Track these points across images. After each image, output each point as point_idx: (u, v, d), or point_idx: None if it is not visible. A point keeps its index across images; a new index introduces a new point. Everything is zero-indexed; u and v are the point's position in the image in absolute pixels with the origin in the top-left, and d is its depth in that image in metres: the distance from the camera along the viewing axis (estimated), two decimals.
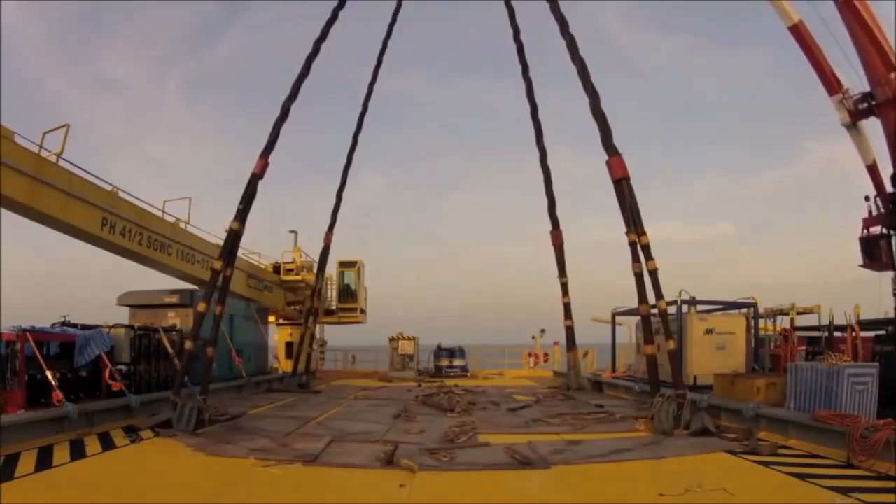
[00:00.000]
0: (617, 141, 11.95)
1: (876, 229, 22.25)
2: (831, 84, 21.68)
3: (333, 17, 15.70)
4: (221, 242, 13.32)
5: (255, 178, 12.84)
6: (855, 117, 21.05)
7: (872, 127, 20.30)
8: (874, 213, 22.60)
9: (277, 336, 26.58)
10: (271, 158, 13.20)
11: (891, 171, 19.85)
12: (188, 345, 11.73)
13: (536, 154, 19.60)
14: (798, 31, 21.42)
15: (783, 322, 16.35)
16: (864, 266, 21.69)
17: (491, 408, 13.90)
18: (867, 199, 22.33)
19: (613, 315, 20.27)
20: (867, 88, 19.87)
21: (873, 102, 20.57)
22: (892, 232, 21.80)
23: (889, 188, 19.93)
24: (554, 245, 19.38)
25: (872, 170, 21.94)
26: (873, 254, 21.97)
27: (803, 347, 14.96)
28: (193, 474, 7.67)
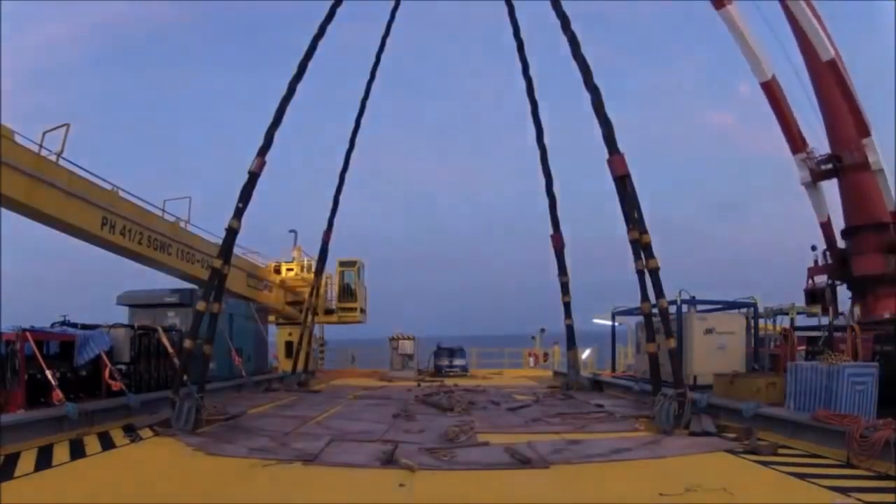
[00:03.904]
0: None
1: (820, 279, 24.92)
2: (796, 142, 23.11)
3: (331, 15, 15.66)
4: (220, 242, 13.31)
5: (254, 176, 12.84)
6: (816, 177, 22.36)
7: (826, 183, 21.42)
8: (820, 263, 25.24)
9: (277, 336, 26.61)
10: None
11: (842, 227, 21.47)
12: (187, 344, 11.73)
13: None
14: (770, 88, 22.43)
15: (783, 322, 16.35)
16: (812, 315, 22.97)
17: (491, 407, 13.89)
18: (813, 248, 24.80)
19: (613, 314, 20.28)
20: (824, 149, 20.81)
21: (839, 164, 21.81)
22: (836, 282, 24.63)
23: (840, 244, 21.46)
24: (554, 247, 19.39)
25: (826, 226, 23.80)
26: (818, 301, 24.26)
27: (803, 347, 14.95)
28: (193, 474, 7.67)
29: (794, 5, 21.28)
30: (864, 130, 21.93)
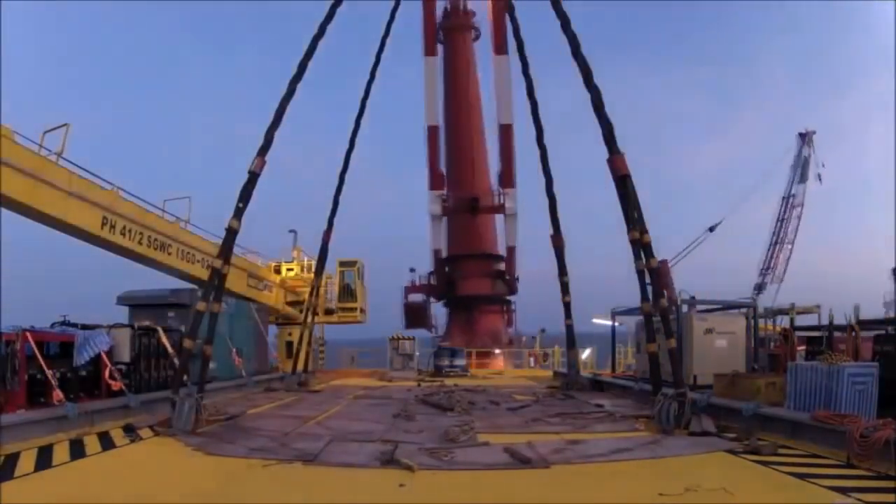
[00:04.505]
0: None
1: (416, 297, 29.89)
2: (436, 181, 27.60)
3: (331, 15, 15.63)
4: (220, 242, 13.30)
5: (254, 176, 12.83)
6: (445, 212, 27.31)
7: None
8: (417, 283, 30.28)
9: (277, 336, 26.64)
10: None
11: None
12: (187, 344, 11.73)
13: None
14: (433, 132, 26.63)
15: (783, 322, 16.35)
16: (408, 328, 29.14)
17: (491, 407, 13.88)
18: (412, 270, 29.64)
19: (613, 314, 20.28)
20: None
21: (477, 205, 27.36)
22: (432, 299, 30.14)
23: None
24: (555, 247, 19.39)
25: (437, 252, 28.70)
26: (416, 317, 29.66)
27: (803, 347, 14.95)
28: (193, 474, 7.67)
29: (505, 76, 25.93)
30: (510, 182, 27.00)
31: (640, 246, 11.40)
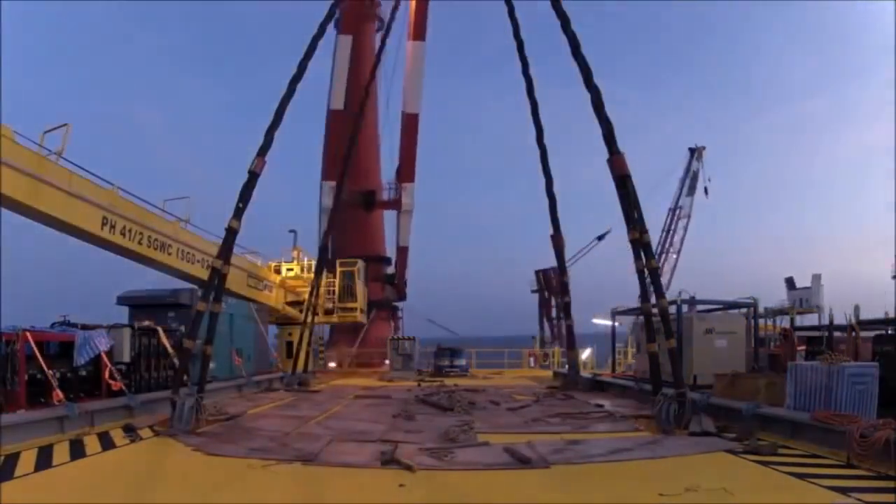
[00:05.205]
0: None
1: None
2: (331, 171, 26.14)
3: (331, 15, 15.65)
4: (220, 242, 13.31)
5: (254, 176, 12.83)
6: (341, 206, 25.88)
7: None
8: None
9: (277, 336, 26.66)
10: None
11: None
12: (187, 343, 11.73)
13: None
14: (337, 117, 25.72)
15: (783, 322, 16.36)
16: None
17: (491, 407, 13.89)
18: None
19: (613, 314, 20.28)
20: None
21: (373, 199, 26.98)
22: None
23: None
24: (555, 247, 19.39)
25: (323, 250, 27.15)
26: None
27: (803, 347, 14.95)
28: (193, 474, 7.66)
29: (418, 64, 25.60)
30: (410, 177, 26.32)
31: (640, 246, 11.40)
